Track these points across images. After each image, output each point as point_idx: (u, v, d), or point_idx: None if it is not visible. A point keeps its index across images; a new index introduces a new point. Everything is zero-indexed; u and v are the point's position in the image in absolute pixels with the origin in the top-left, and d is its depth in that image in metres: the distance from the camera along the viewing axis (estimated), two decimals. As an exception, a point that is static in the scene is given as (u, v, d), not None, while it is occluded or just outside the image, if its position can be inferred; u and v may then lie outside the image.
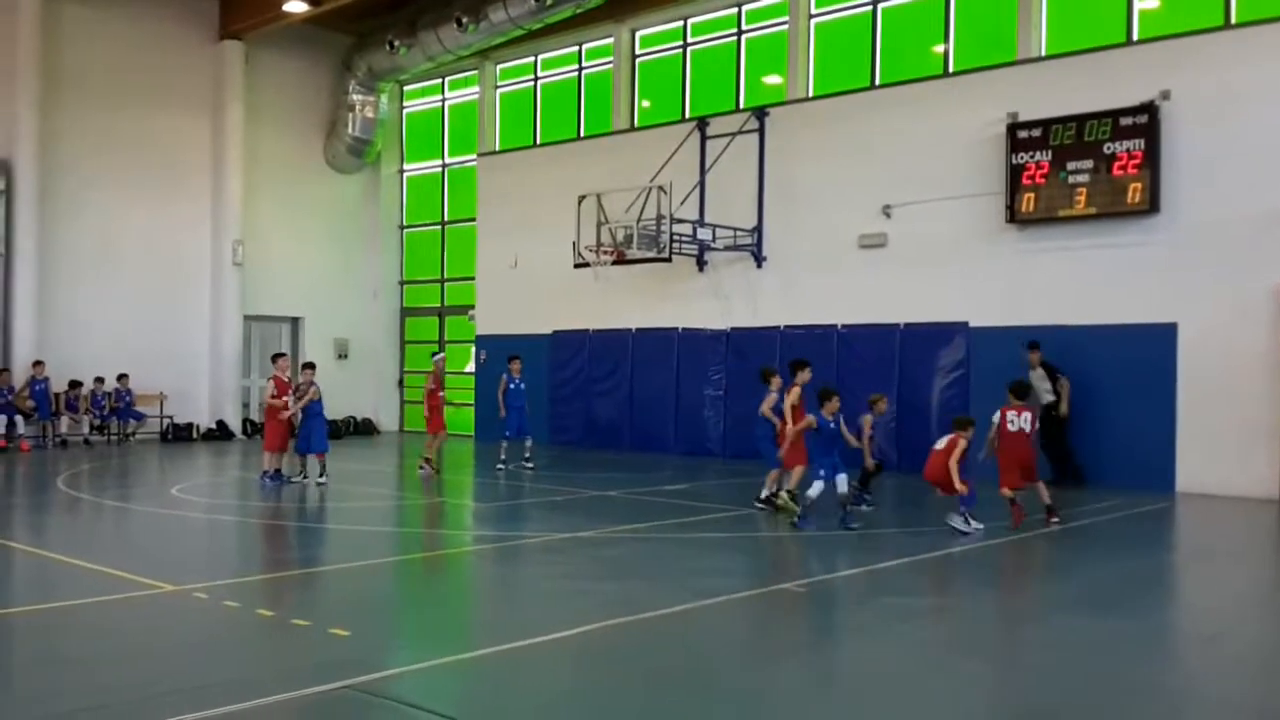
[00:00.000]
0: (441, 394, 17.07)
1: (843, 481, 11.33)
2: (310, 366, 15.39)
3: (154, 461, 18.88)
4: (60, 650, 6.60)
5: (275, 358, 15.41)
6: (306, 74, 25.78)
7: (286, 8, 21.97)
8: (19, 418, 20.27)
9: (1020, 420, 11.67)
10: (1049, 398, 15.73)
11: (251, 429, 24.54)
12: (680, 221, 18.89)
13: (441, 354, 18.49)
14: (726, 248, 19.72)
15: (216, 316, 24.12)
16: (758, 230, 19.78)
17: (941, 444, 11.58)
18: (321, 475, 14.75)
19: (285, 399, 14.69)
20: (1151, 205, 15.42)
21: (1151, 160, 15.37)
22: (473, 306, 25.04)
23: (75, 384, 21.35)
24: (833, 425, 11.42)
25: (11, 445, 19.87)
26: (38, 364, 20.76)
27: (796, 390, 12.11)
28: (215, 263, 24.10)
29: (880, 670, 6.36)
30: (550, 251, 21.65)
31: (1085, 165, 15.86)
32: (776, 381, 12.70)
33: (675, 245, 18.75)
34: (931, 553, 10.16)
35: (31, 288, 21.16)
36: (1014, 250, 16.85)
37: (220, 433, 23.70)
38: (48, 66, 21.49)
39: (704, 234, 19.39)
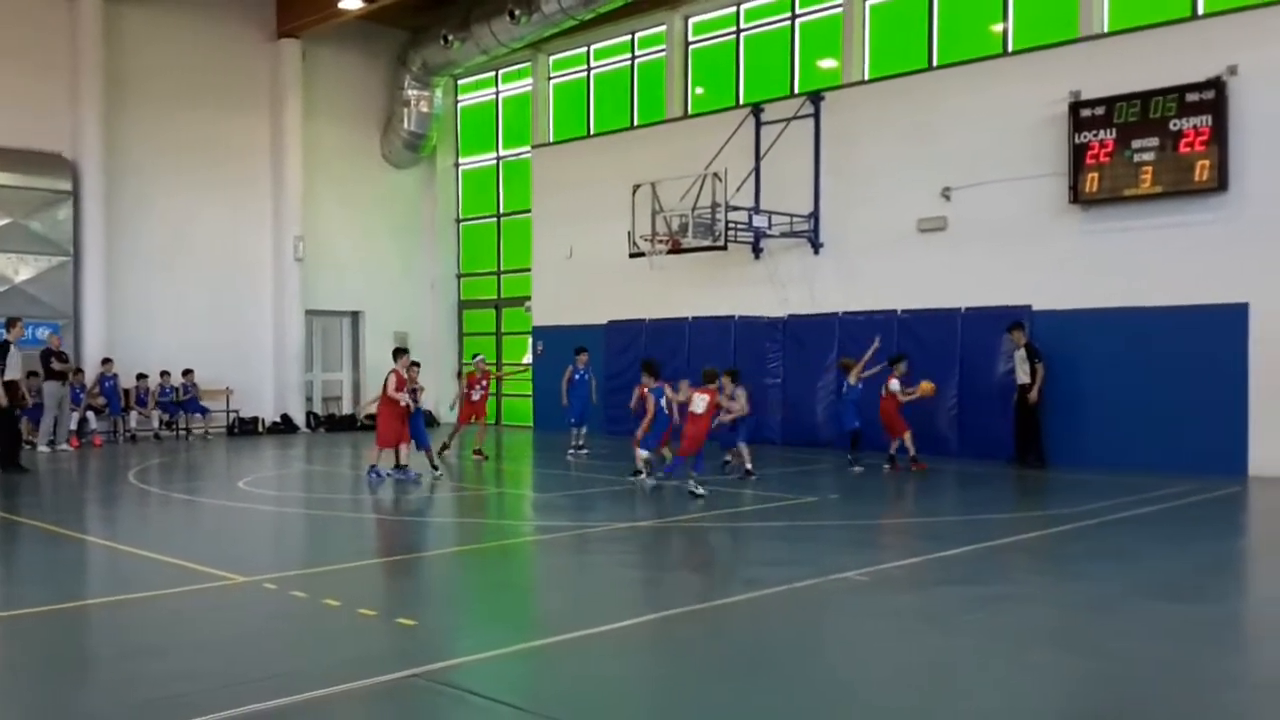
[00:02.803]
0: (470, 391, 17.81)
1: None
2: (416, 365, 15.38)
3: (221, 455, 19.22)
4: (135, 640, 6.74)
5: (398, 354, 15.23)
6: (362, 70, 26.04)
7: (342, 5, 22.18)
8: (90, 413, 20.77)
9: (699, 403, 12.85)
10: (1025, 379, 15.96)
11: (315, 422, 24.91)
12: (736, 209, 18.80)
13: (480, 355, 19.29)
14: (783, 234, 19.59)
15: (279, 312, 24.50)
16: (814, 216, 19.63)
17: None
18: (435, 468, 15.02)
19: (401, 394, 14.57)
20: (1220, 183, 15.06)
21: (1219, 137, 15.01)
22: (529, 298, 25.16)
23: (141, 376, 21.79)
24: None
25: (84, 441, 20.34)
26: (106, 361, 21.22)
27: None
28: (277, 258, 24.47)
29: (953, 659, 6.28)
30: (605, 241, 21.69)
31: (1151, 143, 15.52)
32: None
33: (731, 233, 18.66)
34: (993, 540, 10.02)
35: (100, 286, 21.63)
36: (1078, 231, 16.56)
37: (285, 426, 24.08)
38: (110, 69, 21.93)
39: (760, 221, 19.28)
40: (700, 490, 12.49)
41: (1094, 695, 5.66)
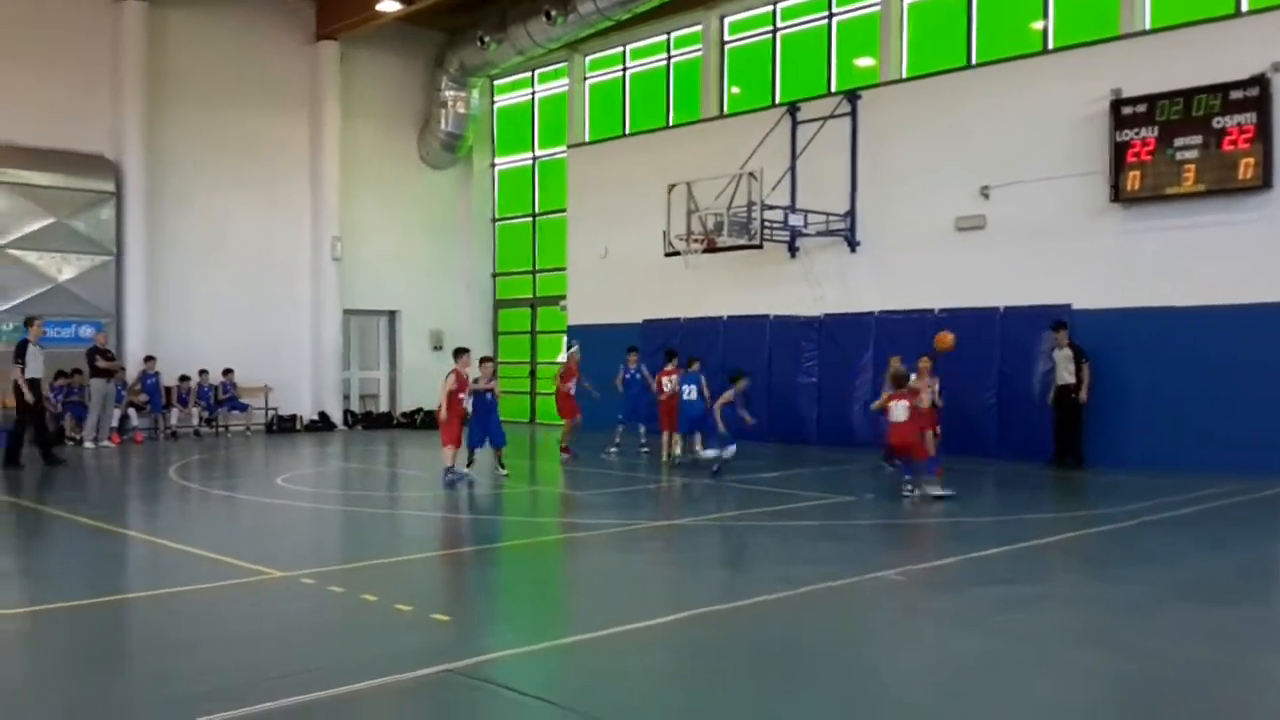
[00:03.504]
0: (566, 385, 17.68)
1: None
2: (488, 360, 15.09)
3: (260, 452, 19.41)
4: (174, 634, 6.83)
5: (458, 353, 14.49)
6: (400, 71, 26.21)
7: (380, 7, 22.33)
8: (132, 410, 21.04)
9: (897, 410, 12.58)
10: (1069, 379, 15.80)
11: (352, 420, 25.10)
12: (771, 208, 18.74)
13: (574, 347, 18.81)
14: (819, 233, 19.51)
15: (317, 311, 24.71)
16: (850, 215, 19.54)
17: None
18: (502, 468, 14.76)
19: (461, 395, 13.94)
20: (1264, 181, 14.82)
21: (1264, 134, 14.77)
22: (564, 297, 25.22)
23: (184, 378, 22.09)
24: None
25: (126, 438, 20.61)
26: (149, 359, 21.48)
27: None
28: (315, 258, 24.69)
29: (990, 659, 6.23)
30: (641, 241, 21.69)
31: (1193, 141, 15.31)
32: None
33: (766, 232, 18.60)
34: (1030, 541, 9.93)
35: (141, 285, 21.91)
36: (1118, 230, 16.36)
37: (322, 424, 24.28)
38: (153, 71, 22.20)
39: (795, 220, 19.20)
40: (941, 492, 12.37)
41: (1133, 697, 5.60)
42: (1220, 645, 6.50)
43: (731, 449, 14.66)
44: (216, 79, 23.25)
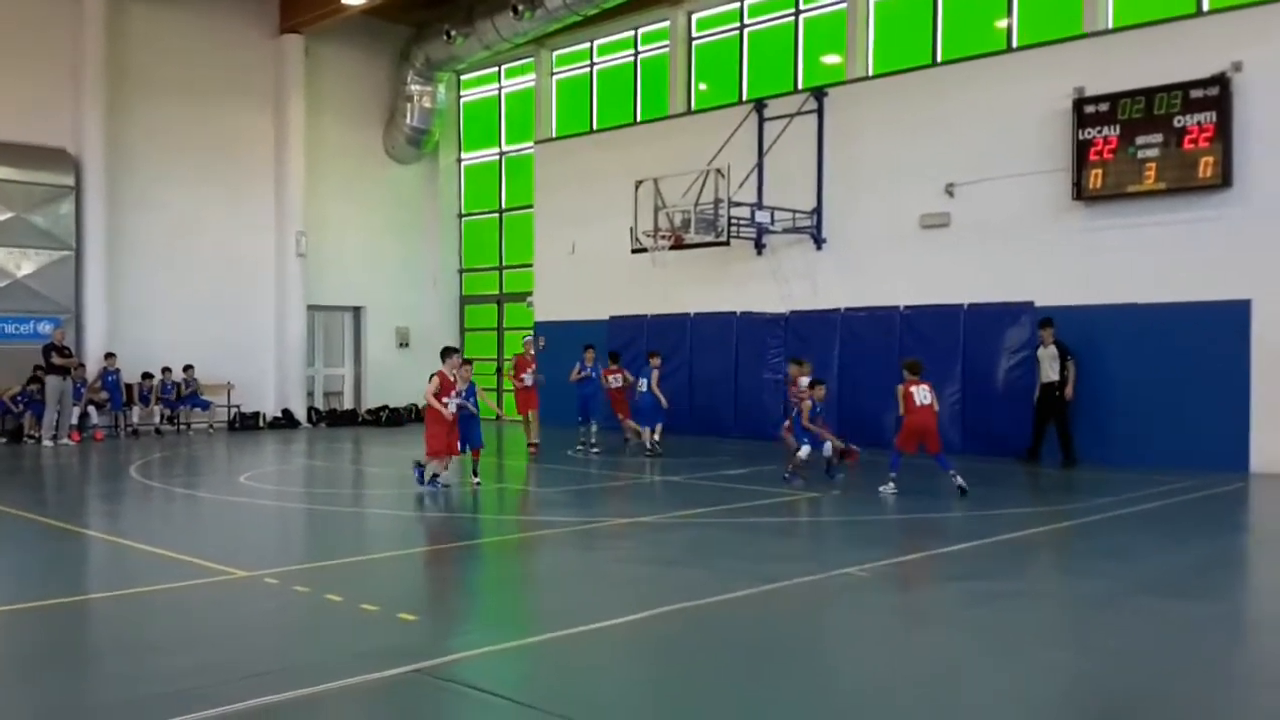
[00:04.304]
0: (519, 379, 17.69)
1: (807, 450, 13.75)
2: (468, 363, 14.15)
3: (222, 450, 19.22)
4: (137, 635, 6.74)
5: (446, 353, 13.44)
6: (365, 66, 26.02)
7: (345, 0, 22.14)
8: (92, 408, 20.77)
9: (922, 393, 12.47)
10: (1053, 376, 15.92)
11: (316, 417, 24.92)
12: (738, 204, 18.78)
13: (529, 336, 18.76)
14: (785, 230, 19.57)
15: (281, 307, 24.50)
16: (817, 212, 19.61)
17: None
18: (475, 476, 13.99)
19: (445, 400, 13.03)
20: (1224, 179, 15.03)
21: (1223, 133, 14.98)
22: (531, 293, 25.16)
23: (147, 376, 21.82)
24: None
25: (86, 435, 20.34)
26: (109, 356, 21.21)
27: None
28: (279, 254, 24.47)
29: (955, 656, 6.27)
30: (608, 237, 21.68)
31: (1155, 139, 15.49)
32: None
33: (733, 228, 18.64)
34: (995, 536, 10.01)
35: (101, 281, 21.63)
36: (1081, 228, 16.53)
37: (286, 421, 24.09)
38: (114, 65, 21.91)
39: (762, 216, 19.25)
40: (961, 482, 12.26)
41: (1096, 691, 5.65)
42: (1182, 640, 6.59)
43: (809, 450, 13.84)
44: (179, 73, 22.98)
